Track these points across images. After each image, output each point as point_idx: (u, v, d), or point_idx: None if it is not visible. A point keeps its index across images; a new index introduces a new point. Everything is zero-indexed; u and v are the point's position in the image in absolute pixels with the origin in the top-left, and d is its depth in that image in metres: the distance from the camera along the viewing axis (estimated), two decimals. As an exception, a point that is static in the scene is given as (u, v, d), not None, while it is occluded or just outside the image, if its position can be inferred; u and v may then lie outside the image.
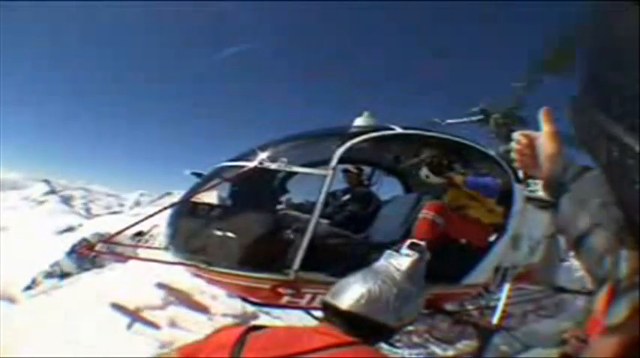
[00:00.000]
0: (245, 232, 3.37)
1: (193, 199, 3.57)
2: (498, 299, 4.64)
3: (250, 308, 4.93)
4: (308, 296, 3.37)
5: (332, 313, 1.41)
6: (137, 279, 6.23)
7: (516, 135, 1.05)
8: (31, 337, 5.33)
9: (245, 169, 3.38)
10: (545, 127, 0.98)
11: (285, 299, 3.36)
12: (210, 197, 3.55)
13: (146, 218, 3.65)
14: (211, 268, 3.30)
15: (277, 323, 4.95)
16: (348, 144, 3.48)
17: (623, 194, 0.59)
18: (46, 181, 71.31)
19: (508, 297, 4.56)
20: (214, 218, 3.56)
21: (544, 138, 0.97)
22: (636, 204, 0.55)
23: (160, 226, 3.86)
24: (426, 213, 3.59)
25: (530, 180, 4.87)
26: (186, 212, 3.67)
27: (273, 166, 3.29)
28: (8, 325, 5.76)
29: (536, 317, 6.79)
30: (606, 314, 0.65)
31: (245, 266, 3.26)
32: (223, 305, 5.45)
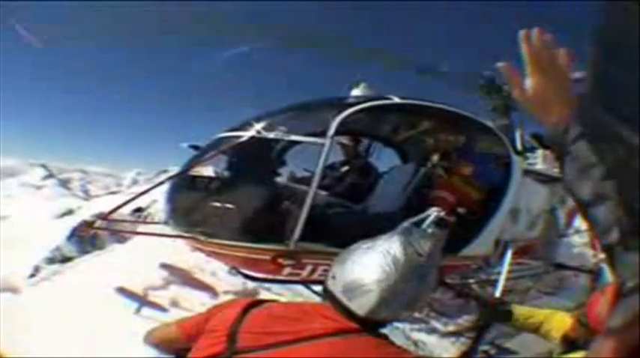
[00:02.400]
0: (244, 203, 3.35)
1: (191, 172, 3.54)
2: (499, 273, 4.66)
3: (251, 285, 4.92)
4: (309, 268, 3.38)
5: (341, 308, 1.21)
6: (137, 260, 6.18)
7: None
8: (33, 328, 5.20)
9: (243, 139, 3.35)
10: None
11: (285, 271, 3.36)
12: (208, 169, 3.52)
13: (142, 193, 3.63)
14: (211, 240, 3.29)
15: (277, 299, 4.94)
16: (346, 113, 3.44)
17: (629, 194, 0.58)
18: (43, 166, 70.97)
19: (509, 272, 4.56)
20: (213, 190, 3.52)
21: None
22: None
23: (158, 201, 3.82)
24: (439, 192, 3.77)
25: (528, 153, 4.85)
26: (185, 185, 3.65)
27: (271, 135, 3.26)
28: (9, 317, 5.57)
29: (538, 294, 6.77)
30: (610, 315, 0.65)
31: (245, 237, 3.26)
32: (223, 282, 5.43)
